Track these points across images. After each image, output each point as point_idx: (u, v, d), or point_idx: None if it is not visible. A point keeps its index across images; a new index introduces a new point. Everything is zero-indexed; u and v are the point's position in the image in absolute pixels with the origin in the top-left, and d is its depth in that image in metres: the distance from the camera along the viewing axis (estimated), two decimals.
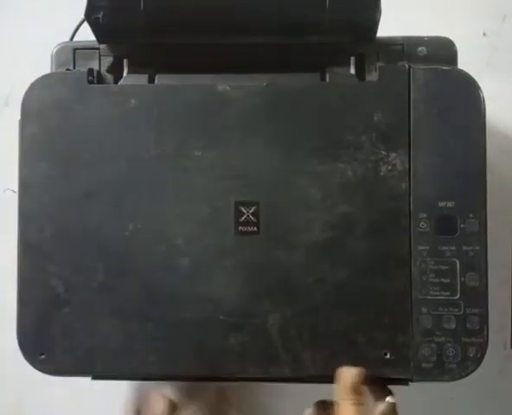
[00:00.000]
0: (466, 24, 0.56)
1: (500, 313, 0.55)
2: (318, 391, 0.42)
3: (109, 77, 0.45)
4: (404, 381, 0.41)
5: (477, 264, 0.41)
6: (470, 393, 0.54)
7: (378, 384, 0.41)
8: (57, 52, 0.45)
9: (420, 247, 0.41)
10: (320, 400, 0.43)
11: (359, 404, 0.39)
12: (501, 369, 0.55)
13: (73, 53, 0.45)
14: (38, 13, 0.54)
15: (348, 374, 0.40)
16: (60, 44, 0.46)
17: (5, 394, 0.53)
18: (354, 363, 0.40)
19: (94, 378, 0.43)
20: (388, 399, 0.41)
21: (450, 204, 0.41)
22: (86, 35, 0.45)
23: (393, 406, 0.41)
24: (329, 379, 0.40)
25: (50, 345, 0.41)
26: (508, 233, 0.56)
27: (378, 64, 0.42)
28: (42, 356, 0.41)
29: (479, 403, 0.55)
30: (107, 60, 0.45)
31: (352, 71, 0.44)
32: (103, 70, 0.45)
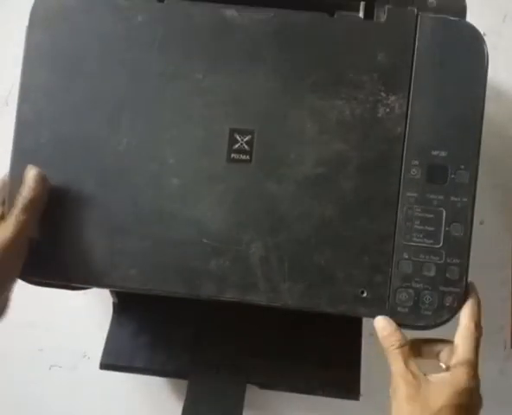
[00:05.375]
0: None
1: (500, 313, 0.56)
2: None
3: None
4: None
5: (463, 216, 0.41)
6: None
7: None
8: None
9: (409, 193, 0.41)
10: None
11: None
12: (501, 369, 0.56)
13: None
14: None
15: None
16: None
17: None
18: (331, 299, 0.41)
19: (74, 287, 0.44)
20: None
21: (443, 153, 0.41)
22: None
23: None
24: (304, 311, 0.41)
25: (33, 252, 0.41)
26: (508, 233, 0.56)
27: (387, 6, 0.42)
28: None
29: None
30: None
31: (361, 15, 0.43)
32: None
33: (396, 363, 0.39)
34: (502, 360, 0.55)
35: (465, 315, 0.40)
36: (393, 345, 0.40)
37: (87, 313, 0.57)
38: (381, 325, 0.41)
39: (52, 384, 0.57)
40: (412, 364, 0.39)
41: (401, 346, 0.40)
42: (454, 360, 0.39)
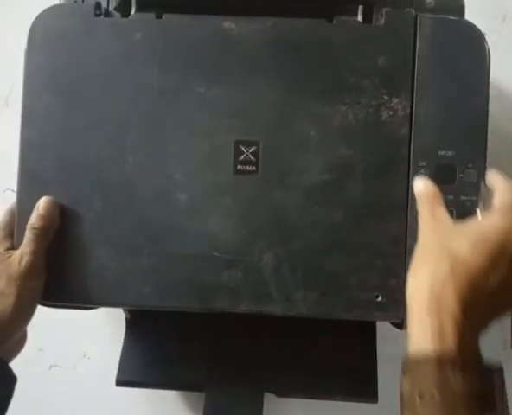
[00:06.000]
0: None
1: None
2: None
3: (117, 15, 0.45)
4: (397, 326, 0.42)
5: (474, 215, 0.41)
6: None
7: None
8: None
9: None
10: None
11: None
12: None
13: None
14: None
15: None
16: None
17: None
18: (345, 305, 0.41)
19: (87, 307, 0.44)
20: None
21: (450, 153, 0.41)
22: None
23: None
24: (319, 318, 0.41)
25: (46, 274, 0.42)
26: None
27: (385, 9, 0.42)
28: None
29: None
30: None
31: (359, 19, 0.43)
32: (111, 8, 0.45)
33: (422, 208, 0.37)
34: (502, 361, 0.55)
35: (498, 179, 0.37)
36: (422, 192, 0.38)
37: (87, 313, 0.56)
38: (420, 184, 0.39)
39: (52, 384, 0.57)
40: (441, 210, 0.37)
41: (430, 192, 0.38)
42: (490, 209, 0.35)
